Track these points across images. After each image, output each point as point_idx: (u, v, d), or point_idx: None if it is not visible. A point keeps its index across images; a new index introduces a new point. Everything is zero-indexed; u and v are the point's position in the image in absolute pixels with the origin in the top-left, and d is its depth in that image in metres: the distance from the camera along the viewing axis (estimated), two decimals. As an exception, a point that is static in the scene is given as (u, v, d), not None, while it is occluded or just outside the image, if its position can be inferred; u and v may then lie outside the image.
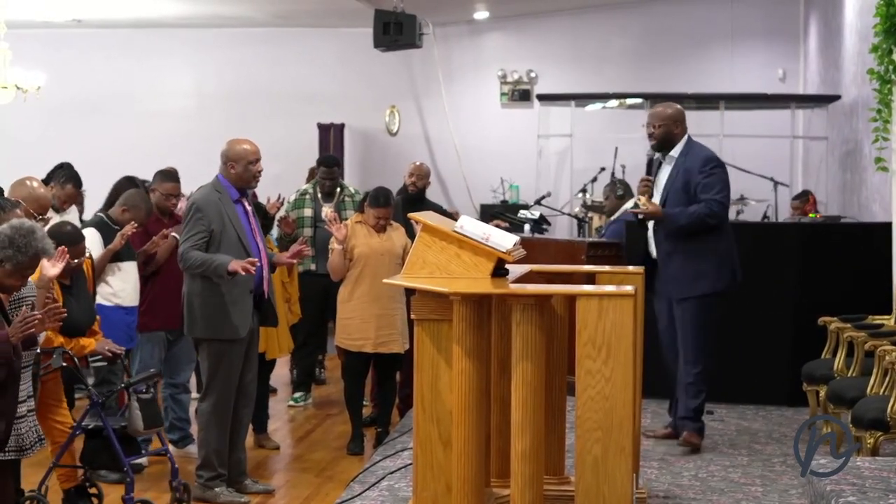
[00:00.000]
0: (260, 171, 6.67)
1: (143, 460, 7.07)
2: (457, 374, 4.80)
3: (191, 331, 6.64)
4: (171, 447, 6.65)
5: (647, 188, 7.19)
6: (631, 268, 6.32)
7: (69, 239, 6.05)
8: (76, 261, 6.09)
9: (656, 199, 7.22)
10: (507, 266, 5.26)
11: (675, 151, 7.28)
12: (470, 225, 5.12)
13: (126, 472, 6.05)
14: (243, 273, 6.38)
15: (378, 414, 8.24)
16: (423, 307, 4.93)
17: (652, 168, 7.33)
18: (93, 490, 6.26)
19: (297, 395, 9.55)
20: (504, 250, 5.04)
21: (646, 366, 6.48)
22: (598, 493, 4.64)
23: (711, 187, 7.20)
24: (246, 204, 6.73)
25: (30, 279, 5.35)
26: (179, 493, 6.29)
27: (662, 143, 7.31)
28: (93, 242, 7.05)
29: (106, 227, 7.25)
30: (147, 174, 8.69)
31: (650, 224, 7.30)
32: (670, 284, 7.23)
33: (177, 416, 7.73)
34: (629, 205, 8.06)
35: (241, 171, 6.61)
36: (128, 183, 8.20)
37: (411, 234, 7.37)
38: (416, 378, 4.98)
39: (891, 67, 7.72)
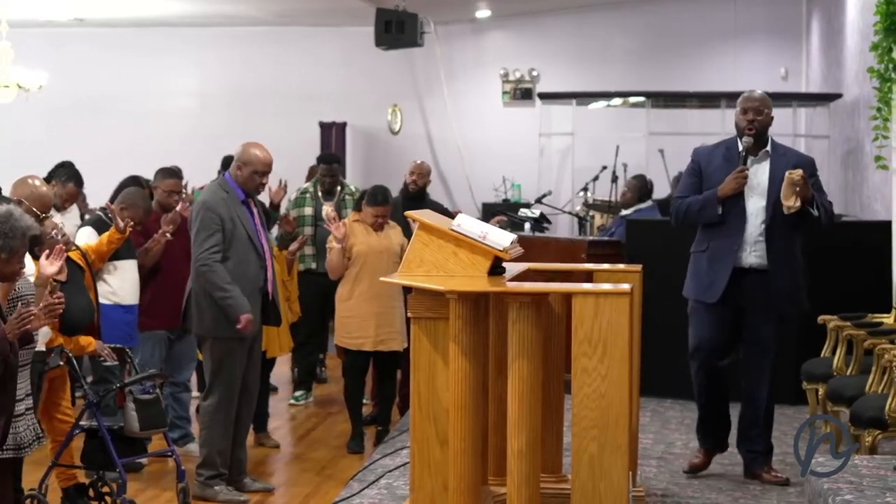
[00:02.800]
0: (264, 185, 6.69)
1: (143, 460, 7.08)
2: (453, 373, 4.80)
3: (197, 327, 6.64)
4: (175, 448, 6.64)
5: (745, 181, 6.35)
6: (629, 266, 6.32)
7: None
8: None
9: (756, 199, 6.41)
10: (504, 264, 5.27)
11: (770, 146, 6.51)
12: (467, 223, 5.12)
13: (119, 472, 6.05)
14: (246, 329, 6.44)
15: (378, 412, 8.25)
16: (420, 305, 4.93)
17: (744, 158, 6.44)
18: (105, 489, 6.25)
19: (298, 393, 9.57)
20: (501, 248, 5.04)
21: (645, 364, 6.47)
22: (594, 491, 4.64)
23: (822, 193, 6.55)
24: (252, 205, 6.75)
25: (29, 278, 5.37)
26: (182, 495, 6.29)
27: (762, 133, 6.46)
28: (89, 241, 7.06)
29: (104, 226, 7.25)
30: (149, 173, 8.69)
31: (755, 226, 6.40)
32: (781, 297, 6.44)
33: (177, 415, 7.73)
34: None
35: (246, 176, 6.61)
36: (133, 182, 8.22)
37: (409, 234, 7.37)
38: (412, 376, 4.98)
39: (891, 66, 7.72)
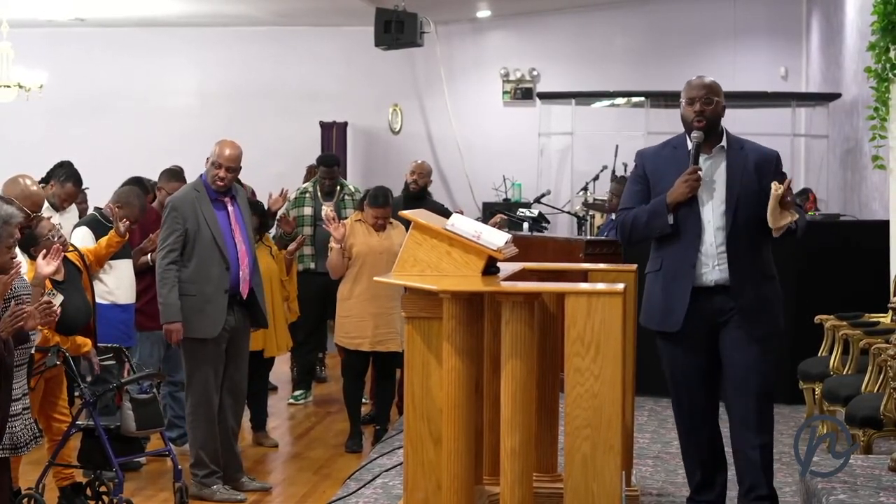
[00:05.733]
0: (220, 178, 6.65)
1: (141, 459, 7.10)
2: (447, 372, 4.81)
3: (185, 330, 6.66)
4: (172, 447, 6.65)
5: (698, 183, 5.32)
6: (624, 265, 6.32)
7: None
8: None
9: (713, 204, 5.37)
10: (500, 264, 5.27)
11: (724, 141, 5.46)
12: (461, 223, 5.13)
13: (115, 471, 6.07)
14: (168, 338, 6.65)
15: (376, 412, 8.27)
16: (414, 305, 4.94)
17: (695, 156, 5.38)
18: (103, 488, 6.27)
19: (298, 392, 9.59)
20: (495, 248, 5.04)
21: (641, 363, 6.48)
22: (586, 491, 4.64)
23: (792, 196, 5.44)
24: (229, 204, 6.74)
25: (25, 278, 5.39)
26: (180, 494, 6.30)
27: (711, 125, 5.41)
28: (84, 240, 7.09)
29: (99, 225, 7.28)
30: (150, 173, 8.72)
31: (715, 235, 5.35)
32: (747, 315, 5.33)
33: (175, 414, 7.75)
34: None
35: (206, 169, 6.70)
36: (136, 184, 8.25)
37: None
38: (406, 376, 5.00)
39: (888, 65, 7.74)
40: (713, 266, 5.34)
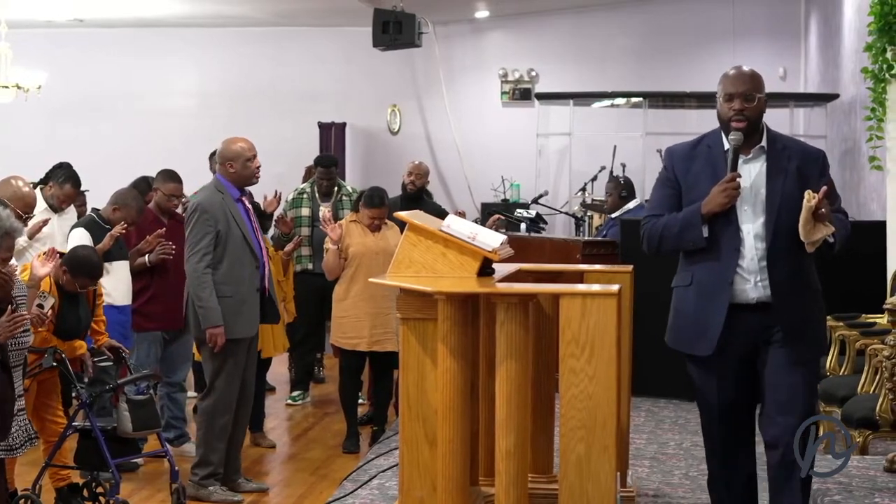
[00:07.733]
0: (258, 168, 6.71)
1: (138, 460, 7.10)
2: (442, 374, 4.82)
3: (196, 330, 6.64)
4: (169, 448, 6.64)
5: (737, 192, 4.68)
6: (619, 266, 6.32)
7: (90, 271, 6.11)
8: (84, 289, 6.15)
9: (752, 213, 4.74)
10: (496, 265, 5.28)
11: (765, 140, 4.80)
12: (456, 224, 5.13)
13: (112, 472, 6.07)
14: (216, 345, 6.48)
15: (374, 412, 8.28)
16: (409, 306, 4.95)
17: (733, 161, 4.74)
18: (99, 489, 6.27)
19: (296, 393, 9.59)
20: (490, 249, 5.05)
21: (639, 364, 6.48)
22: (581, 492, 4.65)
23: (835, 199, 4.81)
24: (246, 202, 6.77)
25: (20, 279, 5.40)
26: (177, 495, 6.30)
27: (753, 125, 4.76)
28: (81, 242, 7.08)
29: (96, 227, 7.29)
30: (149, 174, 8.71)
31: (755, 248, 4.71)
32: (791, 335, 4.70)
33: (173, 415, 7.75)
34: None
35: (240, 169, 6.65)
36: (143, 183, 8.27)
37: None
38: (401, 377, 5.01)
39: (885, 66, 7.73)
40: (755, 282, 4.70)
